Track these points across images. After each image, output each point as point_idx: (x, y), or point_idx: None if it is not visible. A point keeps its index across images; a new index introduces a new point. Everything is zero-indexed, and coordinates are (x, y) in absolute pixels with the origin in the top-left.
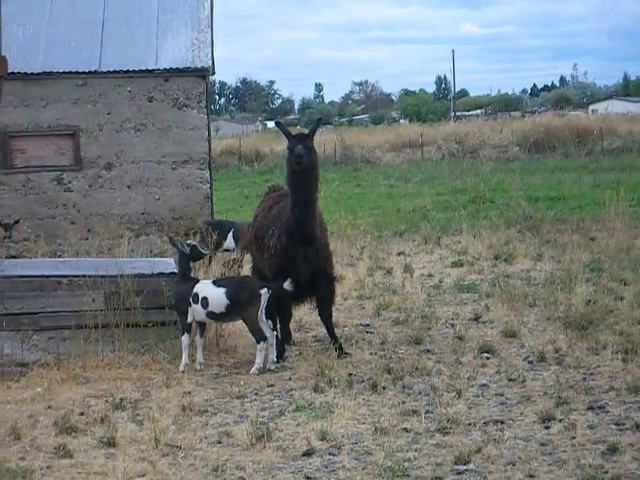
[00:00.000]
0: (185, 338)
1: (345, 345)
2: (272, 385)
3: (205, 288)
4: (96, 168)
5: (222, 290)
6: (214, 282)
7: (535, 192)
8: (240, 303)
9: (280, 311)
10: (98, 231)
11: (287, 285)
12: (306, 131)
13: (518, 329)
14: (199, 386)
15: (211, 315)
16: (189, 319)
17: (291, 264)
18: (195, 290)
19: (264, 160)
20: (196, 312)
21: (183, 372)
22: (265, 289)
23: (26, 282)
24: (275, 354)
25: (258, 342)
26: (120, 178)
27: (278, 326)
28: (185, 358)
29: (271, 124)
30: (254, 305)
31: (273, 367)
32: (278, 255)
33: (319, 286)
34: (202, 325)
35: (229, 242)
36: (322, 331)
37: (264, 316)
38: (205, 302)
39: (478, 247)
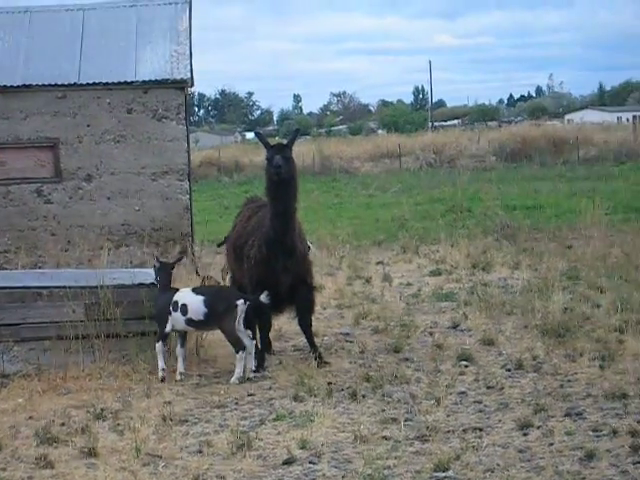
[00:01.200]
0: (159, 345)
1: (325, 354)
2: (252, 394)
3: (184, 296)
4: (76, 180)
5: (200, 298)
6: (193, 290)
7: (512, 201)
8: (217, 312)
9: (260, 321)
10: (78, 242)
11: (264, 298)
12: (285, 142)
13: (496, 337)
14: (179, 396)
15: (190, 322)
16: (168, 328)
17: (271, 275)
18: (175, 298)
19: (243, 171)
20: (175, 320)
21: (162, 380)
22: (242, 300)
23: (6, 293)
24: (254, 363)
25: (237, 352)
26: (100, 190)
27: (258, 335)
28: (161, 364)
29: (250, 135)
30: (230, 315)
31: (252, 376)
32: (258, 266)
33: (299, 296)
34: (182, 335)
35: None
36: (302, 340)
37: (242, 326)
38: (184, 309)
39: (456, 256)
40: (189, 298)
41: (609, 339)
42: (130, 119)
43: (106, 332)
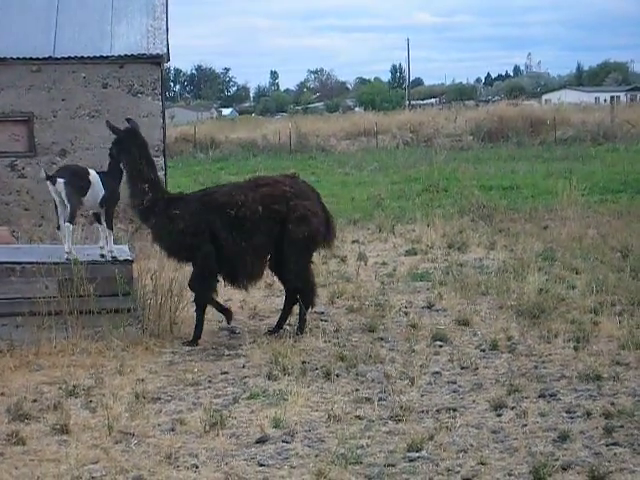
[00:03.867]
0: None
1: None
2: (226, 372)
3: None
4: (50, 154)
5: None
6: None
7: (488, 181)
8: None
9: (197, 292)
10: (52, 218)
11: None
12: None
13: (471, 317)
14: (152, 373)
15: None
16: None
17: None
18: None
19: (219, 147)
20: None
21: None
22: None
23: None
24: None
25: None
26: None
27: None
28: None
29: (226, 111)
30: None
31: (226, 354)
32: None
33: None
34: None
35: None
36: (276, 319)
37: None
38: None
39: (432, 236)
40: None
41: (584, 320)
42: (105, 94)
43: (79, 308)
